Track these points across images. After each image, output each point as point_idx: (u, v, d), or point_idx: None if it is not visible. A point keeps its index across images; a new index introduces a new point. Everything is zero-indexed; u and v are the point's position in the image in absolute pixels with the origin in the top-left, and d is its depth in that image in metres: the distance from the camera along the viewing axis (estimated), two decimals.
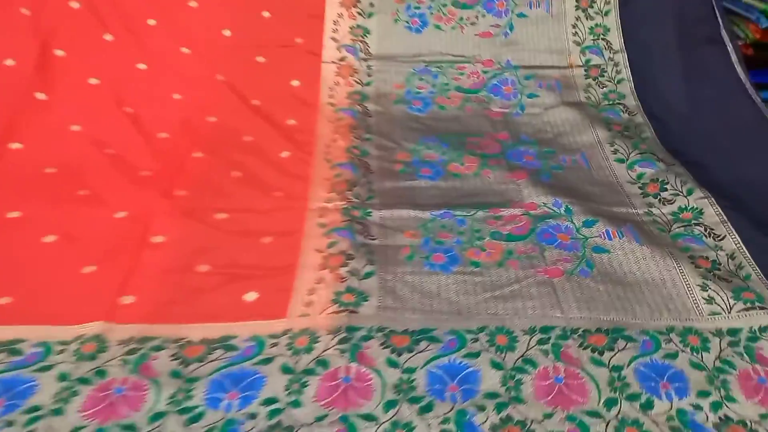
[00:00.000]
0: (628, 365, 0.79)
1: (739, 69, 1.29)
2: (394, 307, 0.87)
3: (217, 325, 0.84)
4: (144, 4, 1.39)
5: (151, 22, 1.39)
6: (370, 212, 1.05)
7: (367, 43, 1.44)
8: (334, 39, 1.43)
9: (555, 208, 1.06)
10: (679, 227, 1.03)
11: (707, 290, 0.90)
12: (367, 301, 0.88)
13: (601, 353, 0.81)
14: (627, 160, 1.19)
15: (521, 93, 1.39)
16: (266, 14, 1.45)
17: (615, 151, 1.22)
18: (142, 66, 1.36)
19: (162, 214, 1.03)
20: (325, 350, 0.80)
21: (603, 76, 1.42)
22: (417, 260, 0.96)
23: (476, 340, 0.83)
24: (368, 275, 0.92)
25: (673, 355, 0.81)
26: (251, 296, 0.89)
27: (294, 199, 1.09)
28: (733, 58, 1.30)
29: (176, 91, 1.34)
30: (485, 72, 1.43)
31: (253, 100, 1.34)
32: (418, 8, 1.45)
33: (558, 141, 1.27)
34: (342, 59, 1.43)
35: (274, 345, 0.81)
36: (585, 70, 1.43)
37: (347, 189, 1.10)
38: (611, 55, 1.43)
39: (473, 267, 0.95)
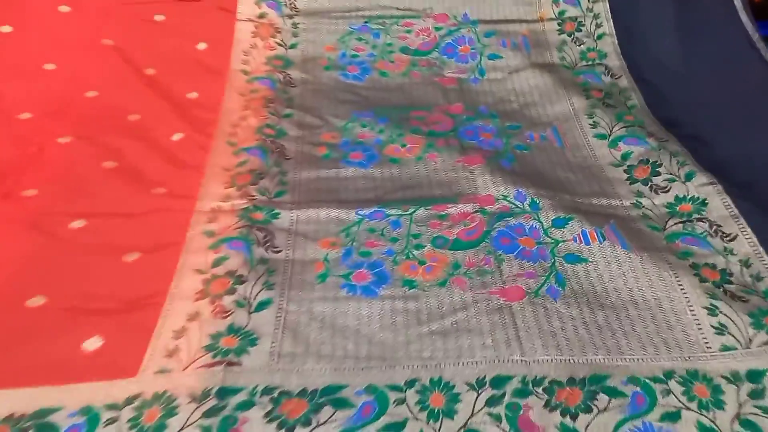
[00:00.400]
0: None
1: (744, 19, 1.04)
2: (293, 353, 0.63)
3: (35, 390, 0.59)
4: None
5: None
6: (278, 213, 0.80)
7: None
8: None
9: (517, 203, 0.82)
10: (676, 223, 0.80)
11: (716, 314, 0.67)
12: (255, 345, 0.64)
13: (575, 417, 0.57)
14: (609, 135, 0.95)
15: (480, 54, 1.14)
16: None
17: (594, 124, 0.97)
18: (5, 29, 1.09)
19: None
20: (182, 429, 0.56)
21: (580, 30, 1.17)
22: (332, 281, 0.72)
23: (402, 401, 0.59)
24: (263, 306, 0.68)
25: (674, 416, 0.58)
26: (93, 343, 0.64)
27: (179, 197, 0.83)
28: (737, 4, 1.05)
29: (49, 60, 1.07)
30: (438, 29, 1.17)
31: (147, 69, 1.08)
32: None
33: (524, 113, 1.02)
34: (261, 16, 1.16)
35: (112, 422, 0.57)
36: (558, 24, 1.17)
37: (251, 182, 0.85)
38: (590, 5, 1.17)
39: (407, 288, 0.71)
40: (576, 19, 1.17)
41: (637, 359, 0.63)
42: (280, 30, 1.15)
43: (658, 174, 0.86)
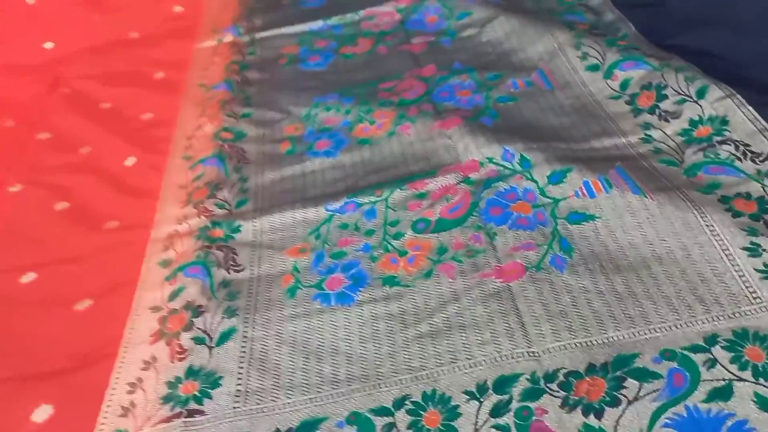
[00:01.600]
0: (651, 430, 0.45)
1: None
2: (262, 389, 0.54)
3: None
4: None
5: None
6: (239, 227, 0.71)
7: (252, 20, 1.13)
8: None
9: (505, 163, 0.71)
10: (695, 152, 0.67)
11: (760, 254, 0.55)
12: (218, 387, 0.55)
13: (600, 413, 0.47)
14: (602, 64, 0.82)
15: (449, 18, 1.02)
16: None
17: (584, 56, 0.85)
18: None
19: None
20: None
21: None
22: (302, 294, 0.62)
23: (391, 427, 0.49)
24: (225, 338, 0.59)
25: (725, 392, 0.46)
26: (43, 413, 0.56)
27: (132, 228, 0.75)
28: None
29: (6, 118, 1.01)
30: (401, 10, 1.07)
31: (103, 103, 1.01)
32: None
33: (504, 61, 0.90)
34: (220, 40, 1.09)
35: None
36: None
37: (208, 196, 0.76)
38: None
39: (387, 287, 0.61)
40: None
41: (670, 327, 0.52)
42: (238, 43, 1.08)
43: (665, 98, 0.73)
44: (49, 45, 1.20)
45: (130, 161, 0.87)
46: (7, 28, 1.21)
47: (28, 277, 0.72)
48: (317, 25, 1.08)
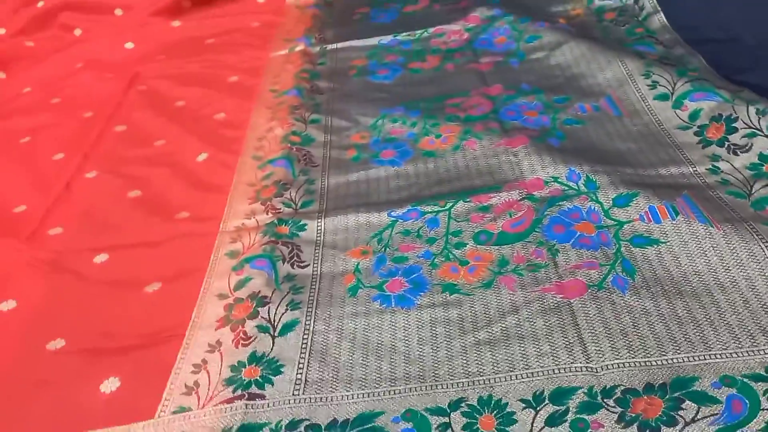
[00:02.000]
0: None
1: None
2: (321, 379, 0.56)
3: None
4: None
5: None
6: (304, 225, 0.74)
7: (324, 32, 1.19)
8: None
9: (570, 183, 0.71)
10: (764, 186, 0.67)
11: None
12: (279, 374, 0.57)
13: None
14: (672, 94, 0.83)
15: (518, 40, 1.04)
16: None
17: (653, 85, 0.85)
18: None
19: (22, 267, 0.75)
20: None
21: (623, 16, 1.06)
22: (363, 293, 0.64)
23: (446, 427, 0.50)
24: (287, 329, 0.61)
25: None
26: (111, 385, 0.59)
27: (203, 220, 0.79)
28: None
29: (87, 109, 1.07)
30: (469, 29, 1.10)
31: (177, 102, 1.06)
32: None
33: (572, 85, 0.92)
34: (292, 49, 1.13)
35: None
36: (597, 15, 1.08)
37: (276, 194, 0.79)
38: None
39: (447, 294, 0.62)
40: (616, 9, 1.07)
41: (730, 354, 0.51)
42: (309, 53, 1.12)
43: (735, 130, 0.73)
44: (129, 45, 1.27)
45: (202, 157, 0.91)
46: (95, 29, 1.29)
47: (101, 258, 0.76)
48: (387, 39, 1.12)
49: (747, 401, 0.48)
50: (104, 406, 0.58)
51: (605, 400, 0.50)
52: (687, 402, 0.48)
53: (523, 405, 0.50)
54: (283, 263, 0.69)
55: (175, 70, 1.16)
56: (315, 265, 0.68)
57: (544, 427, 0.49)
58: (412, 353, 0.57)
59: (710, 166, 0.71)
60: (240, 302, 0.65)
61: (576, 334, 0.55)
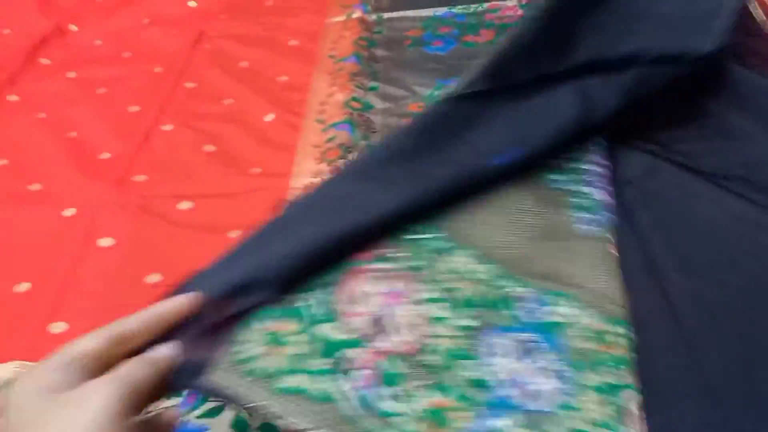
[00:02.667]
0: None
1: None
2: None
3: None
4: None
5: None
6: None
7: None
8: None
9: None
10: None
11: None
12: None
13: None
14: None
15: None
16: None
17: None
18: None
19: (114, 208, 0.85)
20: None
21: None
22: None
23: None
24: None
25: None
26: None
27: (274, 176, 0.87)
28: None
29: (157, 64, 1.14)
30: (523, 6, 1.14)
31: (241, 62, 1.13)
32: None
33: None
34: (349, 15, 1.19)
35: None
36: None
37: (340, 156, 0.87)
38: None
39: None
40: None
41: None
42: (365, 21, 1.17)
43: None
44: (192, 3, 1.33)
45: (269, 117, 0.99)
46: None
47: (185, 205, 0.85)
48: (441, 11, 1.17)
49: None
50: None
51: None
52: None
53: None
54: None
55: (237, 31, 1.22)
56: None
57: None
58: None
59: None
60: None
61: None
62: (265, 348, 0.49)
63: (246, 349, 0.49)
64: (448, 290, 0.56)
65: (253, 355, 0.49)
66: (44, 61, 1.20)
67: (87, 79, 1.13)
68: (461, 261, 0.59)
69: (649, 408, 0.51)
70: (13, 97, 1.11)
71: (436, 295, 0.55)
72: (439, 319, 0.54)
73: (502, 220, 0.64)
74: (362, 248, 0.58)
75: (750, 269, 0.63)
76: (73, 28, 1.28)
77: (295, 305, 0.53)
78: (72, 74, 1.15)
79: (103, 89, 1.10)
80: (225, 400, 0.48)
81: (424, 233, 0.60)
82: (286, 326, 0.51)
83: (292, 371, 0.48)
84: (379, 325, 0.53)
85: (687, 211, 0.70)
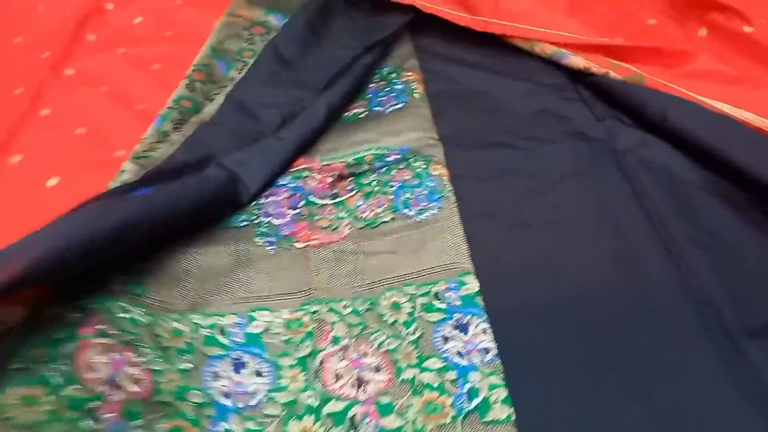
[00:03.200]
0: None
1: None
2: None
3: None
4: None
5: None
6: None
7: None
8: None
9: None
10: None
11: None
12: None
13: None
14: None
15: None
16: None
17: None
18: None
19: None
20: None
21: None
22: None
23: None
24: None
25: None
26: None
27: None
28: None
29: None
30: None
31: None
32: None
33: None
34: None
35: None
36: None
37: None
38: None
39: None
40: None
41: None
42: None
43: None
44: None
45: None
46: None
47: None
48: None
49: None
50: None
51: None
52: None
53: None
54: None
55: None
56: None
57: None
58: None
59: None
60: None
61: None
62: (22, 408, 0.59)
63: (5, 409, 0.59)
64: (162, 349, 0.70)
65: (11, 414, 0.58)
66: (90, 37, 1.30)
67: (138, 56, 1.24)
68: (165, 326, 0.73)
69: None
70: (70, 71, 1.21)
71: (150, 357, 0.69)
72: (158, 372, 0.68)
73: (186, 275, 0.80)
74: None
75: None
76: (109, 6, 1.38)
77: (41, 374, 0.62)
78: (122, 50, 1.26)
79: (158, 65, 1.22)
80: None
81: (130, 312, 0.72)
82: (37, 391, 0.61)
83: (49, 421, 0.59)
84: (113, 383, 0.65)
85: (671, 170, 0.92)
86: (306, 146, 1.00)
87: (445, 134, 1.03)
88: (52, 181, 0.97)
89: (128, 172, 0.91)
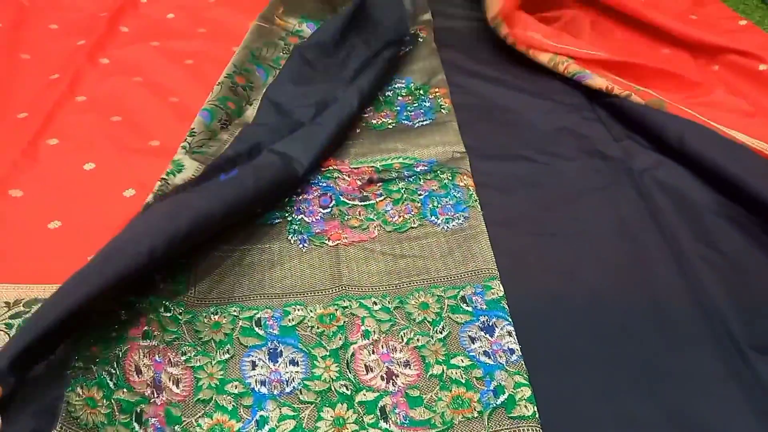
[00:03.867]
0: None
1: None
2: None
3: None
4: None
5: None
6: None
7: None
8: None
9: None
10: None
11: None
12: None
13: None
14: None
15: None
16: None
17: None
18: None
19: None
20: None
21: None
22: None
23: None
24: None
25: None
26: None
27: None
28: None
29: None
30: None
31: None
32: None
33: None
34: None
35: None
36: None
37: None
38: None
39: None
40: None
41: None
42: None
43: None
44: None
45: None
46: None
47: None
48: None
49: None
50: None
51: None
52: None
53: None
54: None
55: None
56: None
57: None
58: None
59: None
60: None
61: None
62: (86, 408, 0.65)
63: (73, 408, 0.64)
64: (203, 343, 0.76)
65: (79, 414, 0.64)
66: (123, 29, 1.33)
67: (172, 50, 1.28)
68: (204, 321, 0.78)
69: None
70: (104, 60, 1.24)
71: (191, 354, 0.74)
72: (198, 368, 0.74)
73: (224, 271, 0.84)
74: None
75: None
76: (143, 0, 1.42)
77: (99, 375, 0.68)
78: (155, 43, 1.29)
79: (191, 60, 1.25)
80: None
81: (171, 311, 0.78)
82: (94, 393, 0.67)
83: (106, 424, 0.65)
84: (156, 385, 0.71)
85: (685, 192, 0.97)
86: (344, 131, 1.05)
87: (468, 145, 1.07)
88: (89, 166, 1.00)
89: (188, 168, 0.95)
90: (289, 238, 0.90)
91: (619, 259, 0.89)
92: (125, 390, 0.69)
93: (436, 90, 1.19)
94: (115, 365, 0.70)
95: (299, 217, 0.93)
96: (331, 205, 0.94)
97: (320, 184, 0.98)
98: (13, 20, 1.28)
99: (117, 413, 0.67)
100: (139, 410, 0.68)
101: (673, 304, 0.82)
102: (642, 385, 0.74)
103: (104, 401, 0.67)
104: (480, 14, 1.34)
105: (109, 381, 0.68)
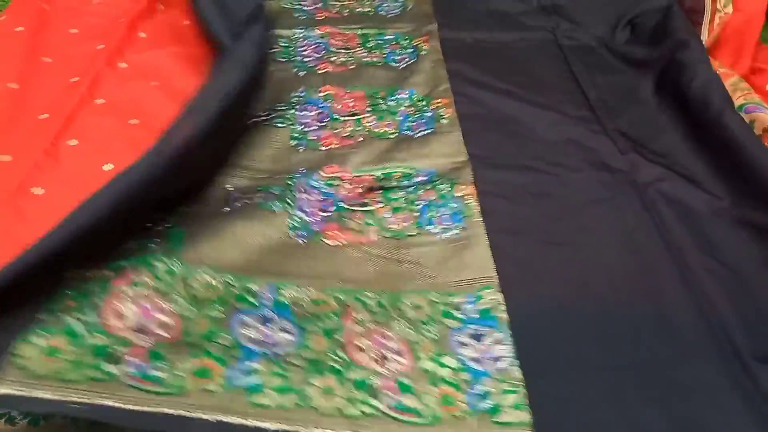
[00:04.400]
0: None
1: None
2: None
3: None
4: None
5: None
6: None
7: None
8: None
9: None
10: None
11: None
12: None
13: None
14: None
15: None
16: None
17: None
18: None
19: None
20: None
21: None
22: None
23: None
24: None
25: None
26: None
27: None
28: None
29: None
30: None
31: None
32: None
33: None
34: None
35: None
36: None
37: None
38: None
39: None
40: None
41: None
42: None
43: None
44: None
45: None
46: None
47: None
48: None
49: None
50: None
51: None
52: None
53: None
54: None
55: None
56: None
57: None
58: None
59: None
60: None
61: None
62: (41, 357, 0.64)
63: (28, 360, 0.64)
64: (194, 298, 0.76)
65: (27, 364, 0.63)
66: (141, 34, 1.36)
67: (190, 56, 1.30)
68: (198, 278, 0.79)
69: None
70: (123, 65, 1.27)
71: (183, 304, 0.75)
72: (188, 318, 0.75)
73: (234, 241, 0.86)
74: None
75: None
76: (161, 7, 1.44)
77: (66, 324, 0.68)
78: (174, 49, 1.32)
79: (207, 67, 1.28)
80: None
81: (165, 263, 0.79)
82: (59, 342, 0.66)
83: (70, 369, 0.64)
84: (143, 329, 0.71)
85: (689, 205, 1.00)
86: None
87: (475, 154, 1.10)
88: (108, 167, 1.03)
89: None
90: (290, 233, 0.92)
91: (625, 269, 0.91)
92: (99, 335, 0.69)
93: (439, 101, 1.21)
94: (92, 312, 0.70)
95: (300, 214, 0.95)
96: (330, 210, 0.97)
97: (322, 189, 1.00)
98: (34, 25, 1.30)
99: (85, 357, 0.66)
100: (115, 352, 0.68)
101: (678, 314, 0.84)
102: (648, 394, 0.76)
103: (71, 347, 0.67)
104: (489, 25, 1.37)
105: (78, 328, 0.68)
